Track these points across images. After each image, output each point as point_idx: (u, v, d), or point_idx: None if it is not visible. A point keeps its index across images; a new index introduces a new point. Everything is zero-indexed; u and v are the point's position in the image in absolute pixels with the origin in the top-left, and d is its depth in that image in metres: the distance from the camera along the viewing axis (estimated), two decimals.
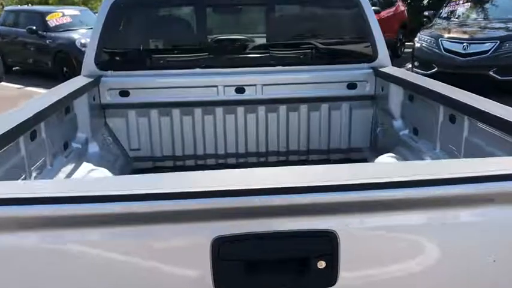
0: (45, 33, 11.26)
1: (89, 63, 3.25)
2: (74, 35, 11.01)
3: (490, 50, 8.25)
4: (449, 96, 2.32)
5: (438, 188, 1.25)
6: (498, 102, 2.13)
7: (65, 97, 2.60)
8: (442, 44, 8.71)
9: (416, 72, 6.61)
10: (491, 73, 8.15)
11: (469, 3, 10.10)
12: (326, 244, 1.23)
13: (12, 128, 1.93)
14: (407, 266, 1.31)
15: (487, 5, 9.96)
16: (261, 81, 3.34)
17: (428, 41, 9.06)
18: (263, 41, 3.63)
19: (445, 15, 10.20)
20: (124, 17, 3.42)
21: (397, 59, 11.58)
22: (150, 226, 1.23)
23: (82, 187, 1.35)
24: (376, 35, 3.34)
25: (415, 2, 16.24)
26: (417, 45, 9.38)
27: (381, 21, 11.04)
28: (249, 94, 3.35)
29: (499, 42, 8.31)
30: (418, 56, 9.29)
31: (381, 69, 3.28)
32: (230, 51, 3.61)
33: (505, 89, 8.36)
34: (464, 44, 8.46)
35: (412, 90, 2.84)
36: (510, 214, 1.30)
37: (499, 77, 8.20)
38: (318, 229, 1.24)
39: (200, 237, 1.22)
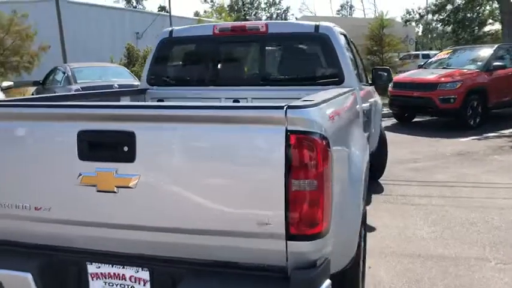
0: None
1: (143, 81, 4.61)
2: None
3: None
4: None
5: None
6: None
7: (132, 90, 4.44)
8: None
9: None
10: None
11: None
12: (129, 137, 2.04)
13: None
14: (176, 155, 2.07)
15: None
16: (251, 96, 4.20)
17: None
18: (257, 68, 4.62)
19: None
20: (166, 53, 4.64)
21: None
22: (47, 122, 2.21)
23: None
24: (343, 65, 3.97)
25: None
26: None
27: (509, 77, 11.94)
28: None
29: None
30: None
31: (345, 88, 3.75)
32: (233, 73, 4.68)
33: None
34: None
35: None
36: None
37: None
38: (125, 130, 2.06)
39: (72, 130, 2.12)
